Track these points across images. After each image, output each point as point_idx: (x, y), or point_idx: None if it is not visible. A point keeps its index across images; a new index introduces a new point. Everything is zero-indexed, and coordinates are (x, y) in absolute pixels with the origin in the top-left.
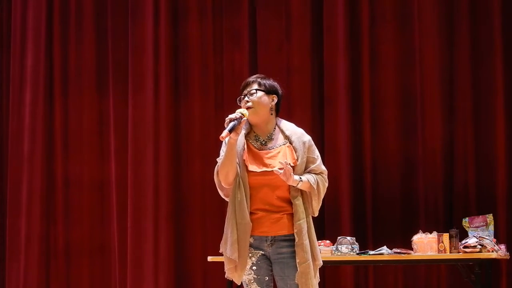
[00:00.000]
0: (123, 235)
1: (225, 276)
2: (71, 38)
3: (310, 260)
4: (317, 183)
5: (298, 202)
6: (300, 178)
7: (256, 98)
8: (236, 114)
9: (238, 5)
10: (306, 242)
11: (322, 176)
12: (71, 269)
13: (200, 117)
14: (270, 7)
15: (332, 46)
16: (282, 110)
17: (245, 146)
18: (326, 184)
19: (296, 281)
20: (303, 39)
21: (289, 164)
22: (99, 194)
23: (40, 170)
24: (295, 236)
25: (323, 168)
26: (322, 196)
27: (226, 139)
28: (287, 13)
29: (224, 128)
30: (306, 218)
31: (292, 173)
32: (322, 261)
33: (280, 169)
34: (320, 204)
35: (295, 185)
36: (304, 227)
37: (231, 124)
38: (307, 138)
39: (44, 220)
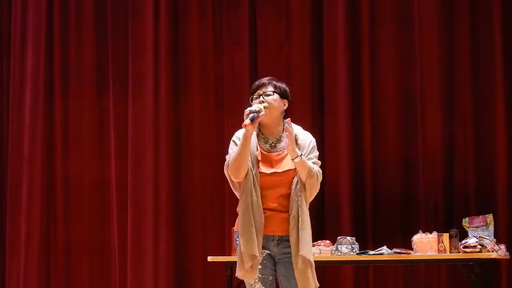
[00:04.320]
0: (123, 235)
1: (237, 276)
2: (71, 38)
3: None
4: (314, 168)
5: (304, 206)
6: (301, 154)
7: (272, 100)
8: (255, 107)
9: (238, 5)
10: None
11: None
12: (71, 268)
13: (200, 117)
14: (270, 7)
15: (332, 46)
16: None
17: (258, 147)
18: (320, 177)
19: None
20: (303, 39)
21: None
22: (99, 194)
23: (40, 170)
24: (291, 232)
25: (318, 161)
26: (316, 185)
27: (238, 135)
28: (287, 13)
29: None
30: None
31: (295, 143)
32: (322, 261)
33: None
34: (314, 192)
35: (293, 157)
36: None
37: (251, 115)
38: (312, 139)
39: (44, 220)
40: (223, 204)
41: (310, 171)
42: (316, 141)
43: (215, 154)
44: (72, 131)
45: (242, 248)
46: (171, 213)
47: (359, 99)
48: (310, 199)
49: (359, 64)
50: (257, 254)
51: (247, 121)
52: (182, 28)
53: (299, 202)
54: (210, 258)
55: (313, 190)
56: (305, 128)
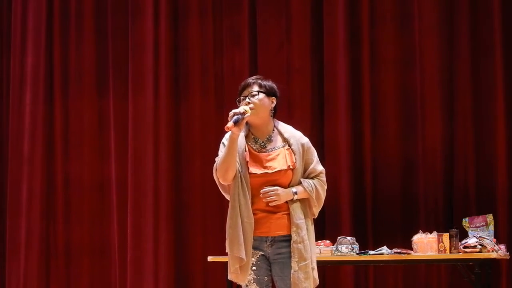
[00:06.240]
0: (123, 235)
1: (229, 278)
2: (71, 38)
3: (310, 260)
4: (315, 188)
5: (295, 205)
6: (295, 192)
7: (258, 100)
8: (240, 109)
9: (238, 5)
10: (307, 242)
11: (319, 178)
12: (71, 269)
13: (200, 117)
14: (270, 7)
15: (332, 46)
16: (282, 110)
17: (246, 148)
18: (325, 186)
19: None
20: (303, 39)
21: (289, 166)
22: (99, 194)
23: (40, 170)
24: (293, 235)
25: (320, 168)
26: (322, 199)
27: (227, 137)
28: (287, 13)
29: (228, 121)
30: (305, 219)
31: (280, 193)
32: (322, 261)
33: (266, 197)
34: (321, 207)
35: (290, 199)
36: (304, 227)
37: (235, 117)
38: (305, 140)
39: (44, 220)
40: (223, 204)
41: (311, 197)
42: (316, 141)
43: (215, 154)
44: (72, 131)
45: (227, 250)
46: (171, 213)
47: (359, 99)
48: (319, 209)
49: (359, 64)
50: (243, 257)
51: (229, 124)
52: (182, 28)
53: (303, 209)
54: (210, 258)
55: (320, 203)
56: (305, 128)
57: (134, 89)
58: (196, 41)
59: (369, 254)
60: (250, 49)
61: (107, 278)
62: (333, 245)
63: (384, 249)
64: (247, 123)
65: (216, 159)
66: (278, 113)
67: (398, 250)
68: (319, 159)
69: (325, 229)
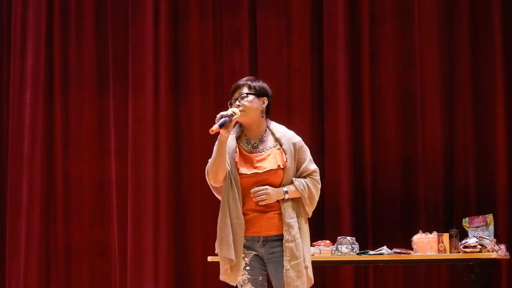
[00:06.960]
0: (123, 235)
1: (220, 279)
2: (71, 38)
3: (302, 259)
4: (307, 187)
5: (287, 204)
6: (286, 191)
7: (247, 102)
8: (228, 111)
9: (238, 5)
10: (298, 241)
11: (312, 177)
12: (71, 269)
13: (200, 117)
14: (270, 7)
15: (332, 46)
16: (282, 110)
17: (237, 149)
18: (319, 185)
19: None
20: (303, 39)
21: (280, 166)
22: (99, 194)
23: (40, 170)
24: (285, 234)
25: (313, 167)
26: (315, 198)
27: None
28: (287, 13)
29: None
30: (298, 218)
31: (270, 192)
32: (322, 261)
33: (256, 196)
34: (315, 206)
35: (281, 198)
36: (295, 226)
37: (222, 120)
38: (297, 139)
39: (44, 220)
40: None
41: (303, 195)
42: (316, 141)
43: None
44: (72, 131)
45: (217, 251)
46: (171, 213)
47: (359, 99)
48: (312, 208)
49: (359, 64)
50: (232, 257)
51: (214, 127)
52: (182, 28)
53: (295, 208)
54: (210, 258)
55: (313, 202)
56: (305, 127)
57: (134, 89)
58: (196, 41)
59: (369, 254)
60: (250, 49)
61: (107, 278)
62: (333, 245)
63: (384, 249)
64: (240, 124)
65: (209, 160)
66: (278, 113)
67: (398, 250)
68: (319, 159)
69: (325, 229)
